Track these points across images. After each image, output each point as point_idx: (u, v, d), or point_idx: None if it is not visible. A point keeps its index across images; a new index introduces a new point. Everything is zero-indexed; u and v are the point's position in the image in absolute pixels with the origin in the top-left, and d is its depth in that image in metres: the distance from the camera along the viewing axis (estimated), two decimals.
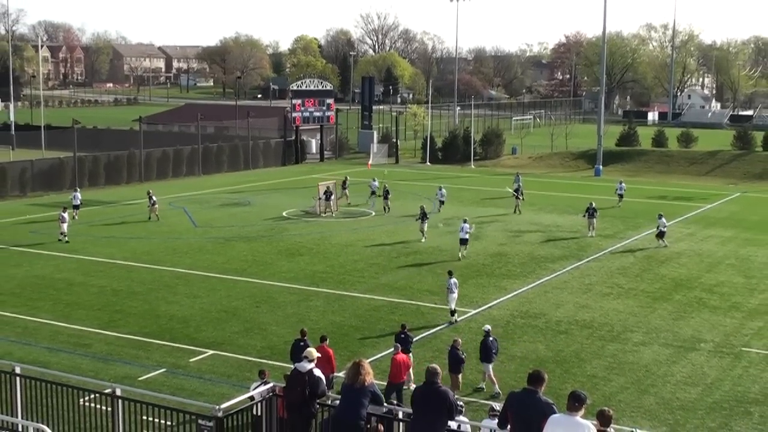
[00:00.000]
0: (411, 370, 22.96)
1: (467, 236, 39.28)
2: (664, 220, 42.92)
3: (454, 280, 29.43)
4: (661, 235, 42.49)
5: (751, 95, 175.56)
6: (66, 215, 42.30)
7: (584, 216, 45.18)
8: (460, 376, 22.30)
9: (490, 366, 22.87)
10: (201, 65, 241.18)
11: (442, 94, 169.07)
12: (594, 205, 45.02)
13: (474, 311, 30.40)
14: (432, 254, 39.96)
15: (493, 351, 23.05)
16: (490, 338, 23.27)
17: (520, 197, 51.95)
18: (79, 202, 48.18)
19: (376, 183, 55.52)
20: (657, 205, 55.44)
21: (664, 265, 38.82)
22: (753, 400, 22.87)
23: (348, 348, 25.58)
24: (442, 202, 52.44)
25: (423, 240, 42.60)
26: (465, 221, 39.92)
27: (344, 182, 55.62)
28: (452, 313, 29.40)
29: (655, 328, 28.95)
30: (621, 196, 55.45)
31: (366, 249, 40.98)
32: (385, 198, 51.60)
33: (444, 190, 53.71)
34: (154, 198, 48.12)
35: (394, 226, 47.19)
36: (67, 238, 41.44)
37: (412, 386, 22.08)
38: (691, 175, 75.11)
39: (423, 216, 43.24)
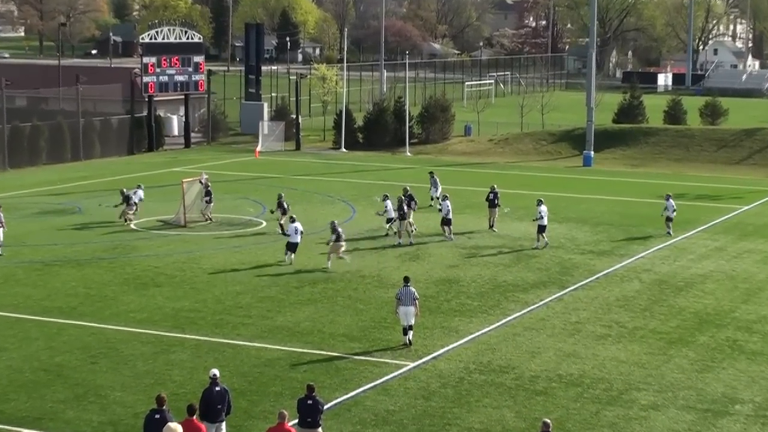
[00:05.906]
0: None
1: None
2: (544, 207, 46.73)
3: (412, 289, 31.70)
4: (541, 229, 46.49)
5: None
6: (2, 215, 43.44)
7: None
8: None
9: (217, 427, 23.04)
10: (6, 6, 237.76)
11: (364, 49, 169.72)
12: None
13: (412, 364, 30.42)
14: (350, 282, 39.94)
15: (220, 406, 23.12)
16: (217, 388, 23.24)
17: (498, 206, 50.71)
18: (138, 199, 51.54)
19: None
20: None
21: (682, 293, 39.46)
22: None
23: (228, 421, 25.39)
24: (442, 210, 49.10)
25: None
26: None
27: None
28: (407, 330, 31.62)
29: (671, 385, 29.38)
30: (670, 219, 50.21)
31: (254, 276, 40.81)
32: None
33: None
34: None
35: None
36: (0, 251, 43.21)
37: None
38: (720, 163, 76.63)
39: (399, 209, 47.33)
